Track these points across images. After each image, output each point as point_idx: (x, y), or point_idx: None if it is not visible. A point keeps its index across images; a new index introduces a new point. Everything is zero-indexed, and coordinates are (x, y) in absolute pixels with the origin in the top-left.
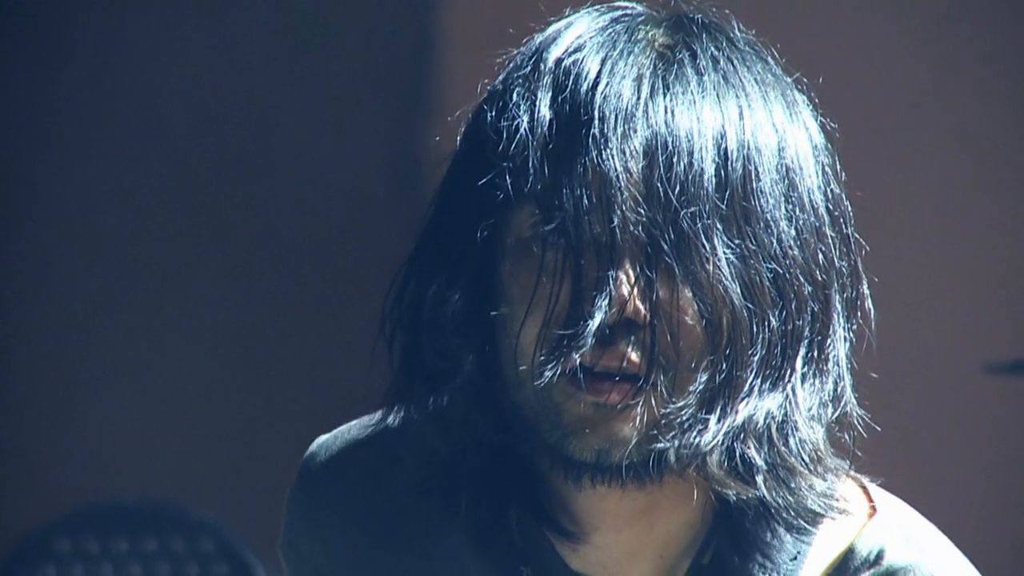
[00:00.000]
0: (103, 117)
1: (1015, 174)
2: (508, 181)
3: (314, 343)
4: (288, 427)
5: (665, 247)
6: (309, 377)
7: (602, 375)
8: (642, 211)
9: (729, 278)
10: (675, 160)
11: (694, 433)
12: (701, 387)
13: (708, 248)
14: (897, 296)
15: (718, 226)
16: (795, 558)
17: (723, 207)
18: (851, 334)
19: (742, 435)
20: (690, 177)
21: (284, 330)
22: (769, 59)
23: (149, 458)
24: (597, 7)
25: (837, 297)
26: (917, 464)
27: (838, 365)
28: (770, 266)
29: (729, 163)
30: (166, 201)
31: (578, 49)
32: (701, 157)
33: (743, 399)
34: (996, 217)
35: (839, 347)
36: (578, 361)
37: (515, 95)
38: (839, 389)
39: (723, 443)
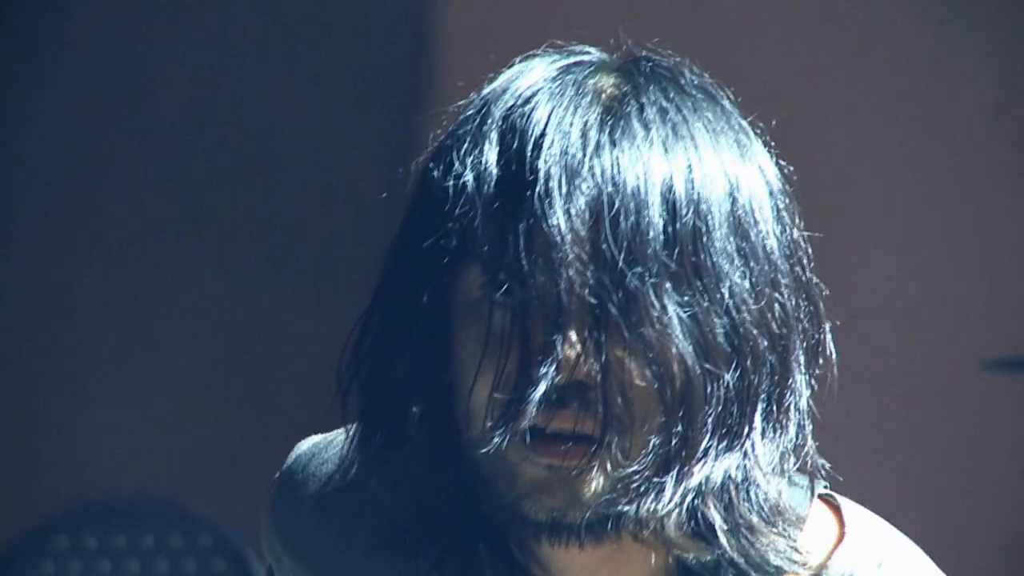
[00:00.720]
0: (99, 108)
1: (1013, 169)
2: (454, 242)
3: (313, 341)
4: (286, 424)
5: (613, 308)
6: (308, 374)
7: (556, 437)
8: (589, 272)
9: (681, 337)
10: (621, 218)
11: (650, 497)
12: (656, 449)
13: (657, 308)
14: (893, 293)
15: (667, 284)
16: None
17: (672, 264)
18: (813, 381)
19: (700, 497)
20: (637, 236)
21: (283, 328)
22: (724, 102)
23: (147, 454)
24: (551, 53)
25: (797, 346)
26: (913, 461)
27: (799, 414)
28: (724, 322)
29: (678, 218)
30: (163, 199)
31: (525, 102)
32: (648, 214)
33: (699, 461)
34: (994, 213)
35: (800, 397)
36: (529, 424)
37: (462, 151)
38: (800, 439)
39: (680, 506)
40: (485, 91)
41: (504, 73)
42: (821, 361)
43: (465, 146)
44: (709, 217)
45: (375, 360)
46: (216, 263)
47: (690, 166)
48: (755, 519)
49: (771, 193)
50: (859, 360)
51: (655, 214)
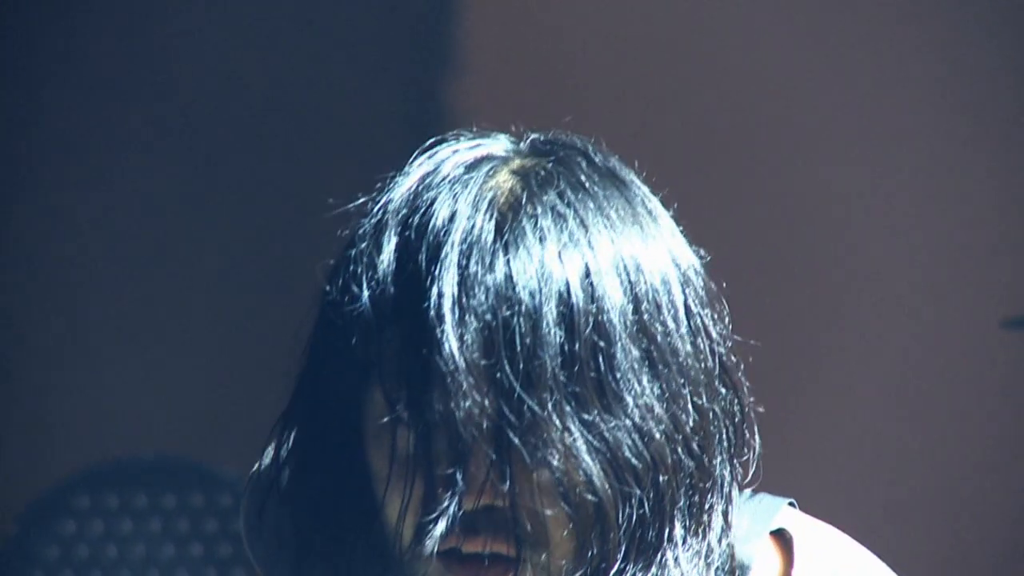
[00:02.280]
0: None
1: None
2: (357, 368)
3: None
4: None
5: (512, 436)
6: None
7: (474, 556)
8: (486, 401)
9: (588, 459)
10: (516, 340)
11: None
12: (571, 569)
13: (559, 431)
14: (914, 253)
15: (568, 407)
16: None
17: (573, 384)
18: (737, 465)
19: None
20: (534, 359)
21: (302, 292)
22: (631, 183)
23: (168, 413)
24: (458, 144)
25: (716, 441)
26: (935, 420)
27: (724, 503)
28: (632, 437)
29: (576, 335)
30: (180, 168)
31: (422, 216)
32: (544, 333)
33: None
34: (1015, 170)
35: (723, 492)
36: (444, 548)
37: (358, 272)
38: (722, 537)
39: None
40: (383, 198)
41: (405, 174)
42: (747, 437)
43: (361, 266)
44: (609, 328)
45: (297, 477)
46: (239, 233)
47: (587, 271)
48: None
49: (680, 278)
50: (882, 322)
51: (551, 333)
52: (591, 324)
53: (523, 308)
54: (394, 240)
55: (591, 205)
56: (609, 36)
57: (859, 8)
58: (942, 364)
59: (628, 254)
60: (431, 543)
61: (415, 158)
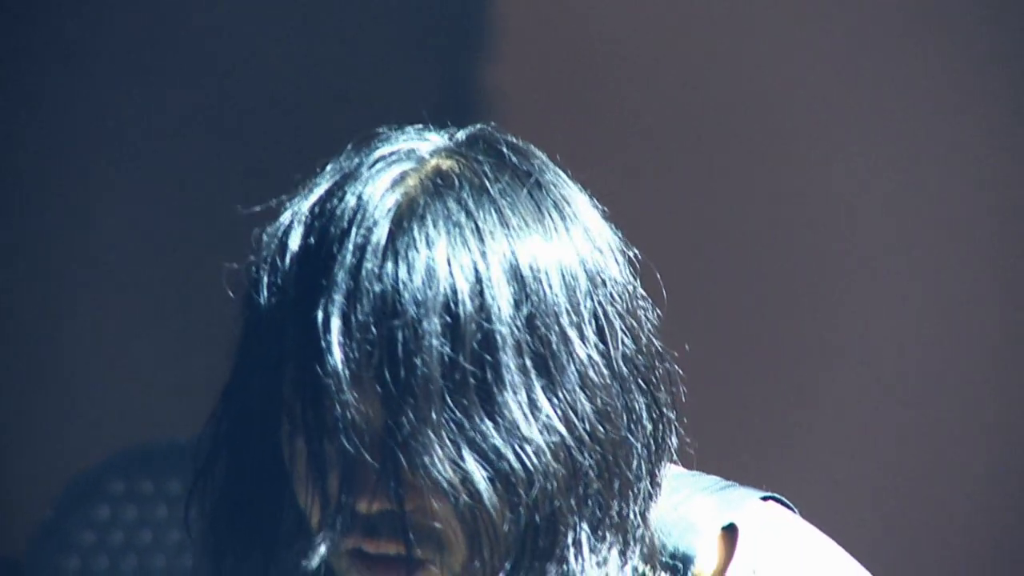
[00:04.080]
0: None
1: None
2: (264, 370)
3: None
4: None
5: (394, 446)
6: None
7: (377, 557)
8: (371, 411)
9: (472, 468)
10: (398, 354)
11: None
12: (464, 573)
13: (440, 443)
14: (916, 252)
15: (450, 417)
16: None
17: (457, 395)
18: (656, 449)
19: None
20: (416, 372)
21: None
22: (545, 183)
23: (204, 399)
24: (382, 145)
25: (627, 443)
26: (937, 420)
27: (642, 509)
28: (520, 446)
29: (461, 345)
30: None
31: (328, 218)
32: (427, 346)
33: None
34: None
35: (636, 495)
36: (349, 548)
37: (263, 272)
38: (636, 540)
39: None
40: (296, 199)
41: (323, 175)
42: (670, 436)
43: (266, 268)
44: (497, 337)
45: (223, 466)
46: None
47: (478, 278)
48: None
49: (587, 280)
50: (882, 323)
51: (435, 344)
52: (478, 334)
53: (407, 319)
54: (298, 242)
55: (491, 209)
56: (641, 24)
57: (866, 7)
58: (943, 364)
59: (526, 258)
60: (332, 543)
61: (335, 159)
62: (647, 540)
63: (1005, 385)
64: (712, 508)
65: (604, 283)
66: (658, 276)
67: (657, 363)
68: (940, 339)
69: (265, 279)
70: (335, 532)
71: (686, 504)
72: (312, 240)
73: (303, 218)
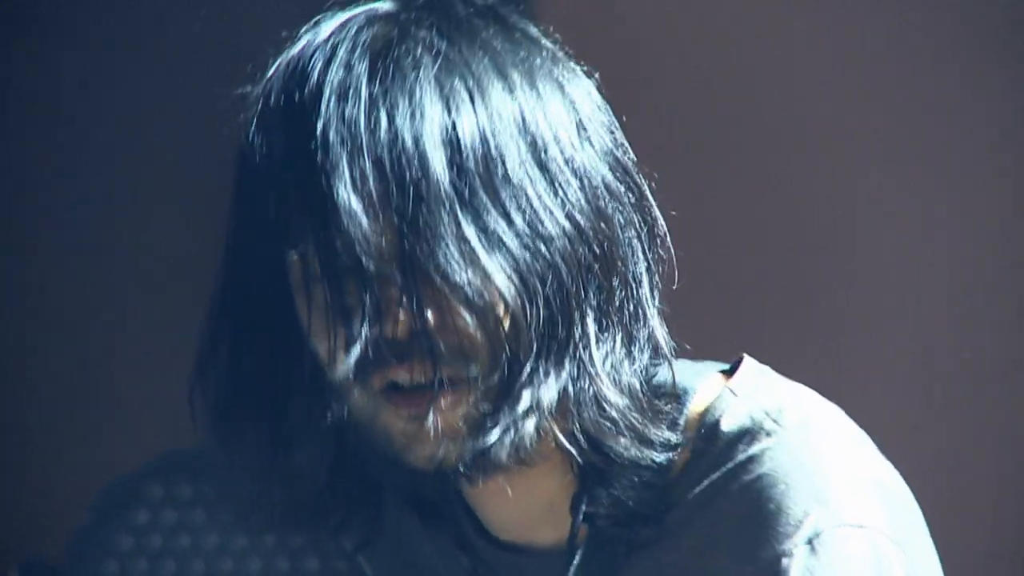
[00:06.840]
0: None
1: None
2: (266, 229)
3: None
4: None
5: (419, 261)
6: None
7: (416, 388)
8: (388, 234)
9: (489, 264)
10: (406, 172)
11: (486, 432)
12: (490, 380)
13: (456, 242)
14: (921, 252)
15: (463, 225)
16: (662, 483)
17: (468, 203)
18: (653, 266)
19: (536, 419)
20: (426, 185)
21: None
22: (509, 20)
23: None
24: (344, 12)
25: (625, 244)
26: (937, 421)
27: (640, 308)
28: (532, 239)
29: (464, 156)
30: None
31: (301, 75)
32: (430, 160)
33: (526, 384)
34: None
35: (637, 290)
36: (385, 383)
37: (251, 134)
38: (649, 331)
39: (511, 432)
40: (270, 71)
41: (294, 42)
42: (658, 244)
43: (253, 129)
44: (500, 146)
45: (235, 350)
46: None
47: (472, 98)
48: (605, 425)
49: (571, 104)
50: (889, 323)
51: (438, 159)
52: (479, 144)
53: (408, 139)
54: (281, 107)
55: (468, 35)
56: (646, 24)
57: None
58: (946, 365)
59: (514, 76)
60: (363, 384)
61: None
62: (651, 336)
63: (1015, 385)
64: (711, 363)
65: (589, 125)
66: (675, 269)
67: (641, 179)
68: (949, 337)
69: (252, 137)
70: (366, 369)
71: (685, 363)
72: (295, 81)
73: (280, 76)
